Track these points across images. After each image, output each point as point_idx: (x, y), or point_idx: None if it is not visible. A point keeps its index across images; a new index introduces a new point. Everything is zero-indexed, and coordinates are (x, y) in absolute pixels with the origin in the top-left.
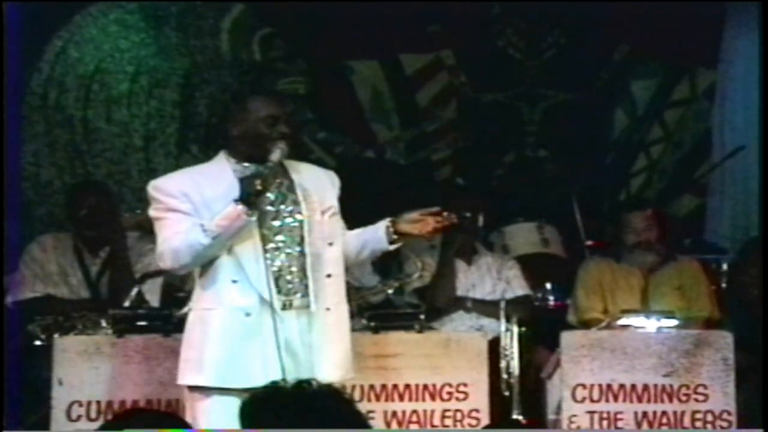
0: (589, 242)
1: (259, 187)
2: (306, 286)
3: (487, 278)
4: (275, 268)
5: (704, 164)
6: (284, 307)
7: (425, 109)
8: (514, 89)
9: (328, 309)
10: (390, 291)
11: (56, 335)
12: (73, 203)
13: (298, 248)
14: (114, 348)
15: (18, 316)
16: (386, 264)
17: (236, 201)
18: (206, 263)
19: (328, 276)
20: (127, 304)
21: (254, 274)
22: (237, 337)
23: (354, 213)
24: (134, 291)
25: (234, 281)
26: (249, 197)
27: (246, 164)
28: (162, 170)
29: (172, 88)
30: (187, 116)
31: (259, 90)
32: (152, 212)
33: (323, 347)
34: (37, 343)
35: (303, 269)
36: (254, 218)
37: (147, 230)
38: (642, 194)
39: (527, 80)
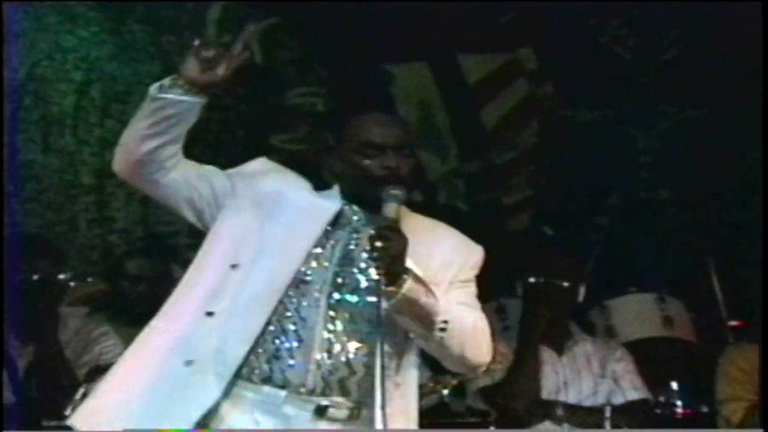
0: (733, 322)
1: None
2: None
3: (586, 374)
4: None
5: None
6: None
7: (494, 133)
8: (621, 104)
9: None
10: (446, 391)
11: None
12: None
13: None
14: None
15: None
16: None
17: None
18: None
19: None
20: (68, 412)
21: None
22: None
23: None
24: (80, 393)
25: None
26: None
27: (356, 209)
28: (123, 220)
29: (137, 104)
30: None
31: (369, 107)
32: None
33: None
34: None
35: None
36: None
37: (99, 305)
38: None
39: (640, 91)
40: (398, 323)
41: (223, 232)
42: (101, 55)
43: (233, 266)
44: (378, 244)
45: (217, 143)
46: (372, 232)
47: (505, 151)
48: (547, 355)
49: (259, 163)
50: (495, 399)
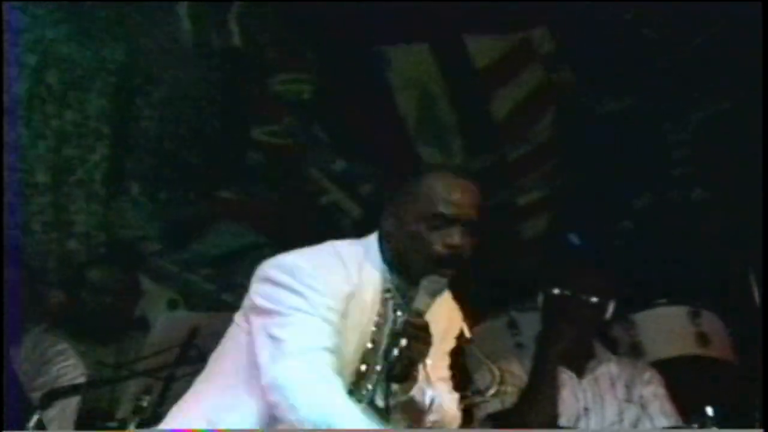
0: None
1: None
2: None
3: (610, 399)
4: None
5: None
6: None
7: (505, 125)
8: (649, 92)
9: None
10: None
11: None
12: None
13: None
14: None
15: None
16: None
17: None
18: None
19: None
20: None
21: None
22: None
23: None
24: (34, 419)
25: None
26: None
27: (395, 283)
28: (83, 223)
29: (99, 91)
30: (122, 136)
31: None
32: (267, 303)
33: None
34: None
35: None
36: None
37: (57, 320)
38: None
39: (672, 77)
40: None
41: None
42: (58, 35)
43: None
44: (403, 342)
45: (191, 137)
46: (399, 323)
47: (517, 145)
48: (565, 377)
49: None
50: (506, 426)
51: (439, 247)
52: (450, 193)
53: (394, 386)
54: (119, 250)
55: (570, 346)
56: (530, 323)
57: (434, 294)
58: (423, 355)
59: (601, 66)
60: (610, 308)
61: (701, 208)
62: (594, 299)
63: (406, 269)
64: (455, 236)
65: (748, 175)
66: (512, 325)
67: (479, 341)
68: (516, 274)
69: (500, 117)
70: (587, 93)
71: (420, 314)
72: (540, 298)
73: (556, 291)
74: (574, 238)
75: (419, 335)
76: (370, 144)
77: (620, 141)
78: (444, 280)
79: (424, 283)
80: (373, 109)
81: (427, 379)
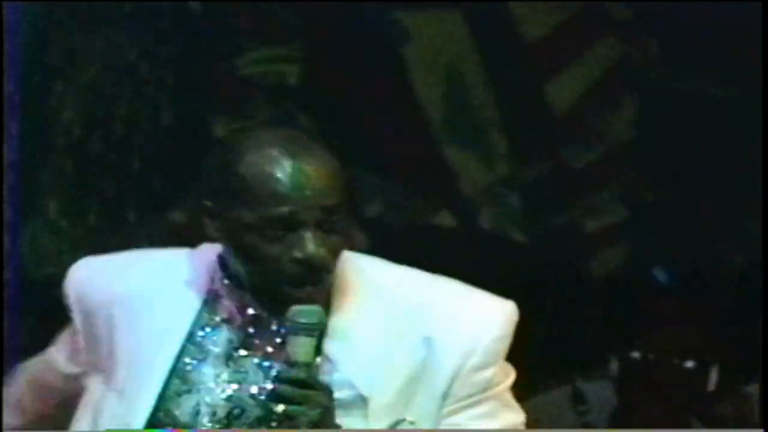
0: None
1: None
2: None
3: None
4: None
5: None
6: None
7: (567, 120)
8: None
9: None
10: None
11: None
12: None
13: None
14: None
15: None
16: None
17: None
18: None
19: None
20: None
21: None
22: None
23: None
24: None
25: None
26: None
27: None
28: None
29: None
30: (35, 134)
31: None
32: None
33: None
34: None
35: None
36: None
37: None
38: None
39: None
40: None
41: None
42: None
43: None
44: (279, 409)
45: (129, 136)
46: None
47: (585, 148)
48: None
49: None
50: None
51: (289, 266)
52: (284, 184)
53: None
54: (32, 294)
55: (657, 427)
56: (602, 396)
57: (309, 333)
58: (313, 423)
59: (696, 40)
60: (713, 376)
61: None
62: (690, 364)
63: (258, 294)
64: (308, 245)
65: None
66: (577, 398)
67: (533, 419)
68: (582, 329)
69: (560, 109)
70: (680, 75)
71: (296, 366)
72: (614, 363)
73: (635, 354)
74: (659, 274)
75: (296, 396)
76: (378, 145)
77: (725, 141)
78: (315, 308)
79: (289, 320)
80: (383, 97)
81: None
